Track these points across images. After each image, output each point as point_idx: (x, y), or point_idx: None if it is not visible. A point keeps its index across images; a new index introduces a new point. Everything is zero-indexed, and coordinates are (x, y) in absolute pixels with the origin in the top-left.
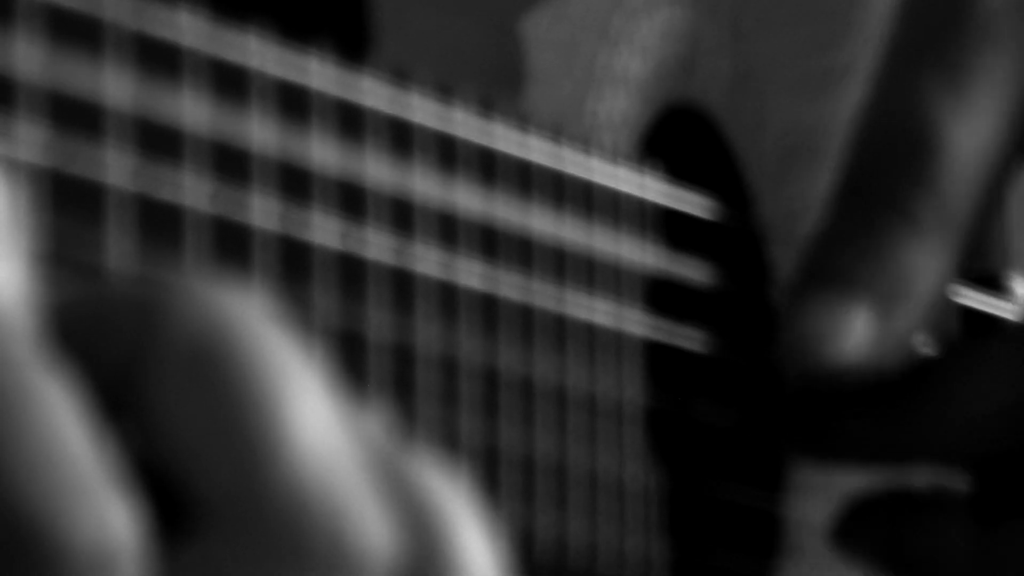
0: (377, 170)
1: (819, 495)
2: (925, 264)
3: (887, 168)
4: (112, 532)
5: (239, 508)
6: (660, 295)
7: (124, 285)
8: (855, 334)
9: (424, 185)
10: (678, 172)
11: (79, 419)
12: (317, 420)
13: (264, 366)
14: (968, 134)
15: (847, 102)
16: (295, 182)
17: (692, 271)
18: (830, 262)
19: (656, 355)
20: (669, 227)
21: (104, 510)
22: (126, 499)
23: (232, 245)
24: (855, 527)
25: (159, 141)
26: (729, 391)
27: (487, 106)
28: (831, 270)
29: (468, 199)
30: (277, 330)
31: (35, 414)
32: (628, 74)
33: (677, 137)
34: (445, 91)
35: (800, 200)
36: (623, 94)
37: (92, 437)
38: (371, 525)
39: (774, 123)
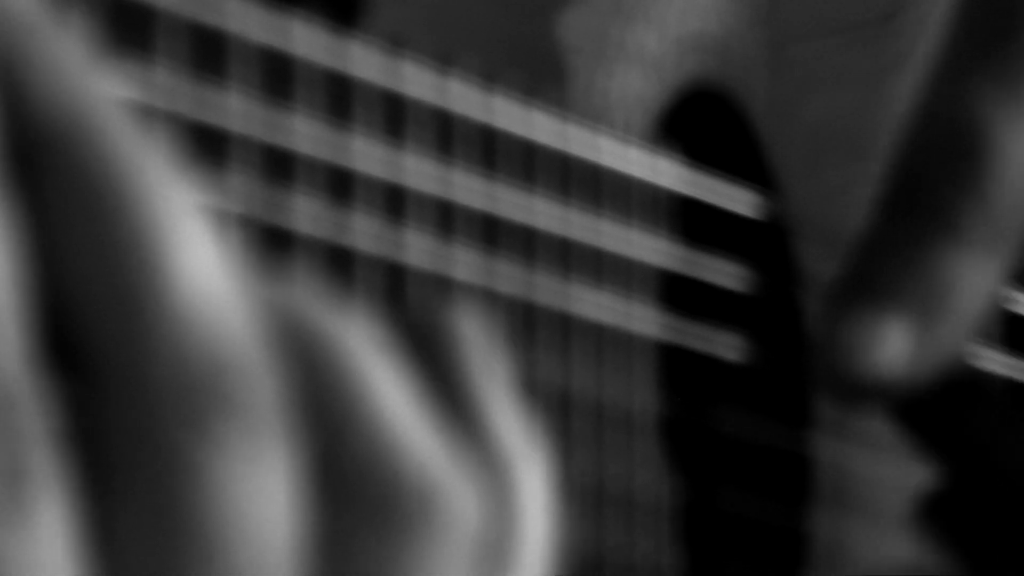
0: (366, 148)
1: (847, 513)
2: (970, 278)
3: (935, 176)
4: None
5: (124, 353)
6: (677, 292)
7: None
8: (892, 348)
9: (417, 165)
10: (698, 159)
11: None
12: (204, 265)
13: (152, 202)
14: (1022, 145)
15: (893, 94)
16: (276, 161)
17: (712, 267)
18: (871, 272)
19: (674, 358)
20: (687, 217)
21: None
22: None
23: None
24: (922, 415)
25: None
26: (752, 398)
27: (489, 79)
28: (872, 280)
29: (466, 181)
30: (165, 175)
31: None
32: (644, 52)
33: (697, 121)
34: (443, 62)
35: (833, 192)
36: (638, 73)
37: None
38: (259, 378)
39: (810, 110)
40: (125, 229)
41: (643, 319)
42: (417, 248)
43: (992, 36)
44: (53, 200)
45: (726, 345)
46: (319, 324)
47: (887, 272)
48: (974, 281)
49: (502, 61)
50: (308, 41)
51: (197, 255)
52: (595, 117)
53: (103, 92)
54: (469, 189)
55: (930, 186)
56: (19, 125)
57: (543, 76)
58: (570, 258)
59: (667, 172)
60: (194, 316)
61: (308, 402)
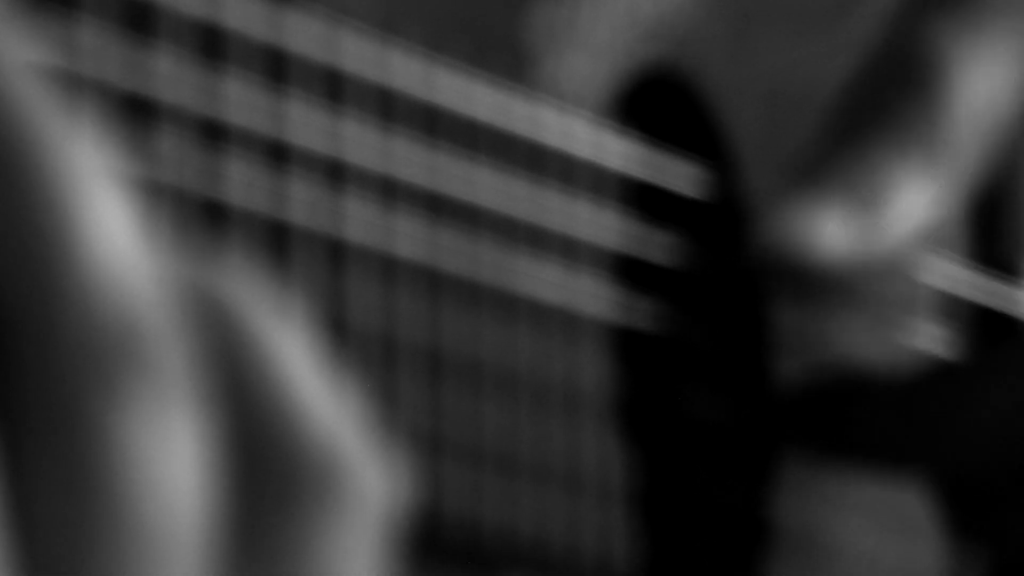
0: (303, 120)
1: (808, 497)
2: (907, 182)
3: (887, 96)
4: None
5: (33, 312)
6: (630, 271)
7: None
8: (829, 234)
9: (358, 139)
10: (654, 144)
11: None
12: (115, 226)
13: (61, 165)
14: (978, 77)
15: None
16: (211, 132)
17: (664, 246)
18: (811, 167)
19: (633, 338)
20: (641, 196)
21: None
22: None
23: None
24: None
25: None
26: (708, 379)
27: (431, 50)
28: (811, 174)
29: (407, 154)
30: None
31: None
32: (592, 35)
33: (652, 107)
34: (384, 33)
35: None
36: (585, 56)
37: None
38: (169, 339)
39: (762, 80)
40: (32, 190)
41: (593, 297)
42: (357, 221)
43: None
44: None
45: (682, 325)
46: (231, 297)
47: (827, 167)
48: (912, 191)
49: (451, 38)
50: (244, 9)
51: (107, 216)
52: (543, 99)
53: (12, 55)
54: (410, 162)
55: (881, 103)
56: None
57: (499, 61)
58: (515, 234)
59: (615, 150)
60: (104, 275)
61: (217, 372)
